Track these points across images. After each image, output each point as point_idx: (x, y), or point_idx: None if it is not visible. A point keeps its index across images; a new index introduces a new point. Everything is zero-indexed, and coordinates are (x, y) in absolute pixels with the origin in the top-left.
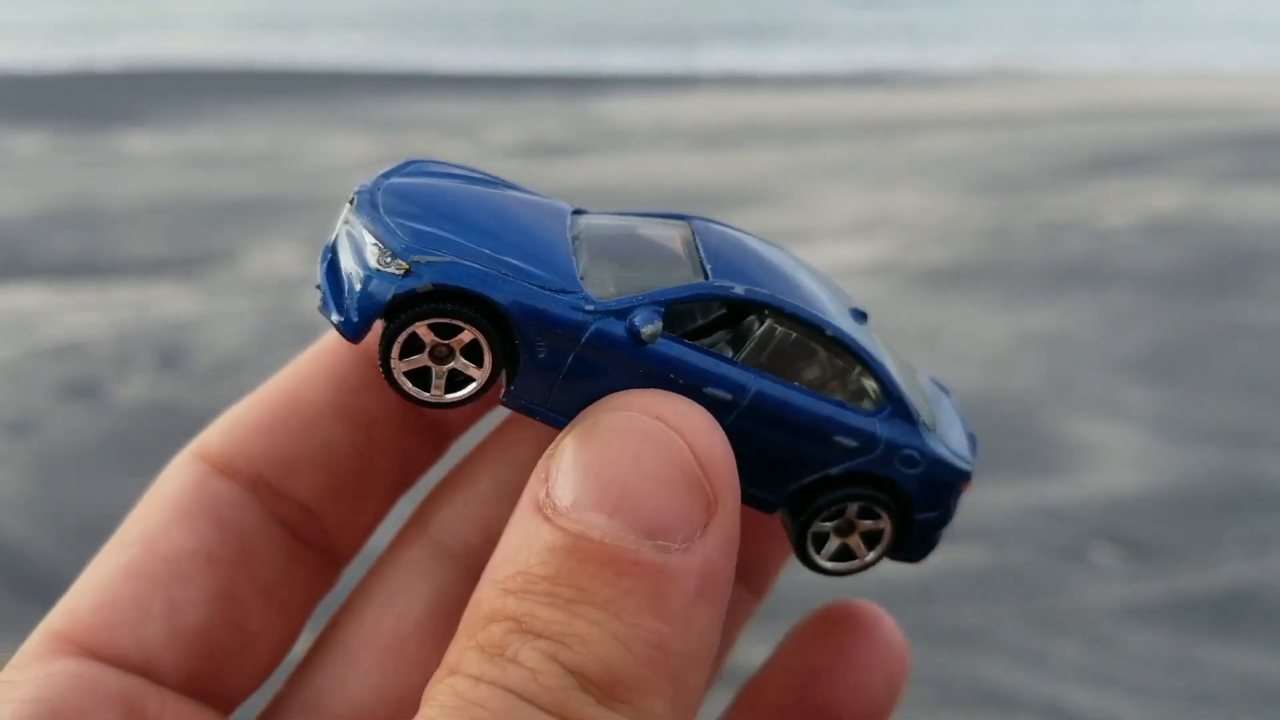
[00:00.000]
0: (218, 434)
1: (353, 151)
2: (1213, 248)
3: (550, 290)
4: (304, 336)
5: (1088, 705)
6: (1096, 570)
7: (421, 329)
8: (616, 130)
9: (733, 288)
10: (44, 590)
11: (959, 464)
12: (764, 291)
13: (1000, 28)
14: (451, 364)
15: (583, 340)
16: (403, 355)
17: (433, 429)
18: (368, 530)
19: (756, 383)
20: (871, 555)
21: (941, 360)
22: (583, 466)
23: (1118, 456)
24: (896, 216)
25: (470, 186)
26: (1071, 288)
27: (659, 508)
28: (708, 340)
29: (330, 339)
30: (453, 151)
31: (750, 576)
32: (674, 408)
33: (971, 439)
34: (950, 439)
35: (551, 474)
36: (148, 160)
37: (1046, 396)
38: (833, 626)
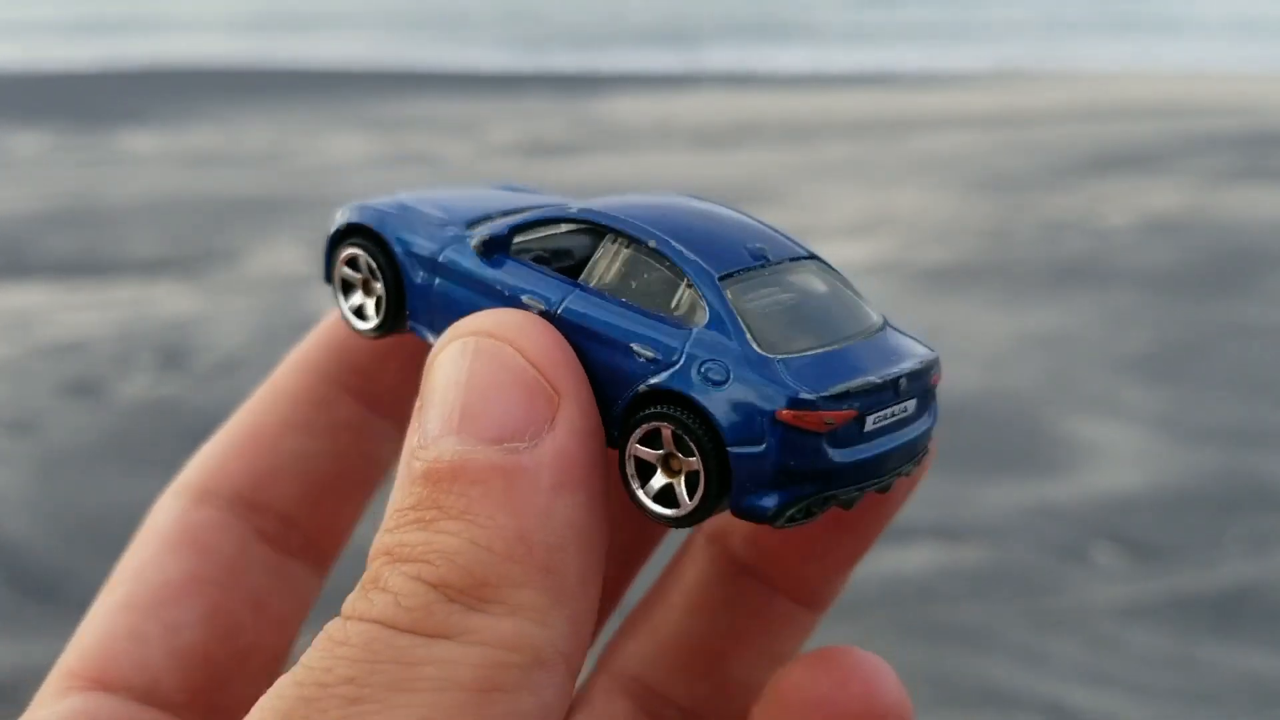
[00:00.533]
0: (193, 469)
1: (354, 150)
2: (1213, 247)
3: (432, 226)
4: (304, 335)
5: (1088, 705)
6: (1097, 569)
7: (341, 263)
8: (617, 129)
9: (568, 207)
10: (46, 588)
11: (774, 387)
12: (597, 210)
13: (1002, 27)
14: (372, 296)
15: (437, 262)
16: (345, 292)
17: (390, 430)
18: (346, 531)
19: (568, 293)
20: (693, 501)
21: (942, 359)
22: (429, 402)
23: (1118, 456)
24: (897, 216)
25: (486, 190)
26: (1072, 287)
27: (500, 414)
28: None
29: (287, 364)
30: (453, 151)
31: (801, 590)
32: (497, 319)
33: (923, 401)
34: (816, 376)
35: (414, 419)
36: (149, 159)
37: (1047, 396)
38: (818, 677)
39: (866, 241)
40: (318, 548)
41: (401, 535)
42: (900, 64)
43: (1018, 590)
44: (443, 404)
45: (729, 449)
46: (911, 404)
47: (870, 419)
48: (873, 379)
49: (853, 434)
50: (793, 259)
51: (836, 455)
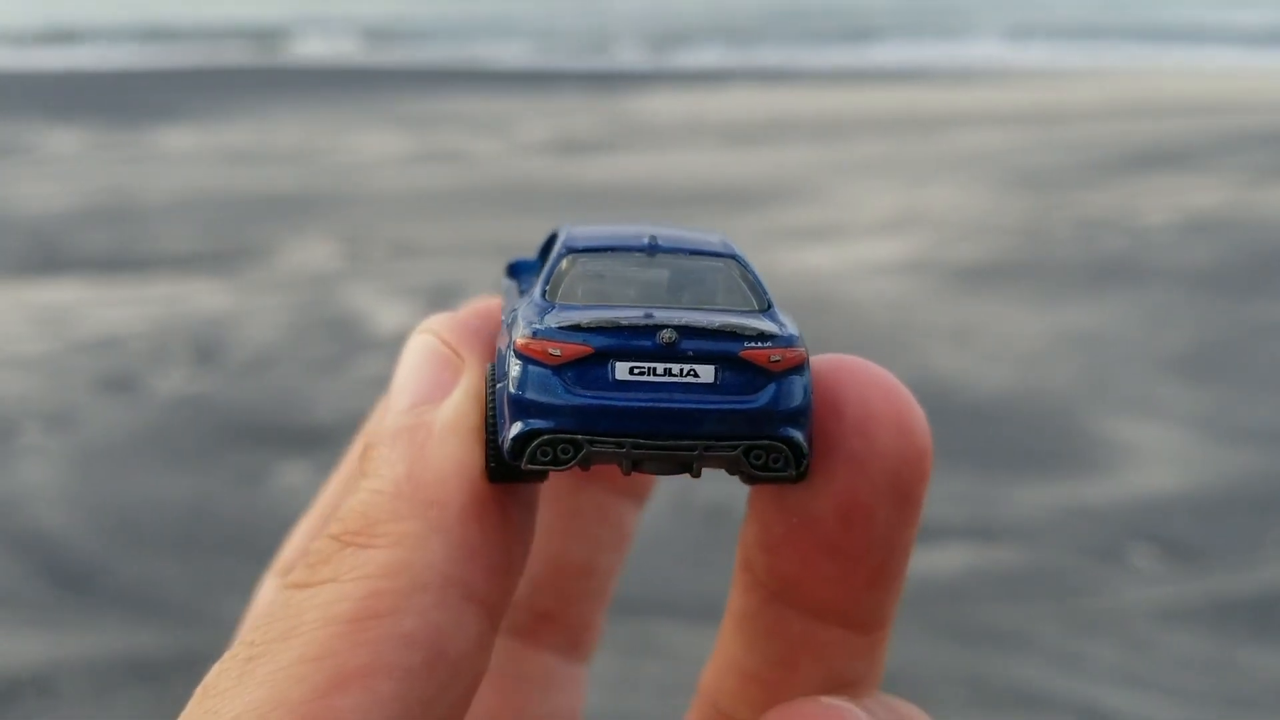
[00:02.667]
0: (294, 548)
1: (386, 148)
2: (1253, 245)
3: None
4: (338, 332)
5: (1124, 707)
6: (1134, 571)
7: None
8: (648, 126)
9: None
10: (81, 582)
11: (528, 323)
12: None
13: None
14: None
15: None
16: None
17: None
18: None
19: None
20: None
21: (976, 359)
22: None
23: (1156, 456)
24: (931, 213)
25: None
26: (1109, 286)
27: (414, 387)
28: None
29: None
30: (483, 148)
31: (835, 614)
32: (430, 320)
33: (741, 376)
34: (571, 314)
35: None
36: (184, 156)
37: (1084, 395)
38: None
39: (899, 239)
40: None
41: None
42: (935, 59)
43: (1053, 592)
44: (391, 392)
45: (495, 385)
46: (707, 370)
47: (622, 365)
48: (616, 318)
49: (599, 377)
50: (696, 252)
51: (575, 395)
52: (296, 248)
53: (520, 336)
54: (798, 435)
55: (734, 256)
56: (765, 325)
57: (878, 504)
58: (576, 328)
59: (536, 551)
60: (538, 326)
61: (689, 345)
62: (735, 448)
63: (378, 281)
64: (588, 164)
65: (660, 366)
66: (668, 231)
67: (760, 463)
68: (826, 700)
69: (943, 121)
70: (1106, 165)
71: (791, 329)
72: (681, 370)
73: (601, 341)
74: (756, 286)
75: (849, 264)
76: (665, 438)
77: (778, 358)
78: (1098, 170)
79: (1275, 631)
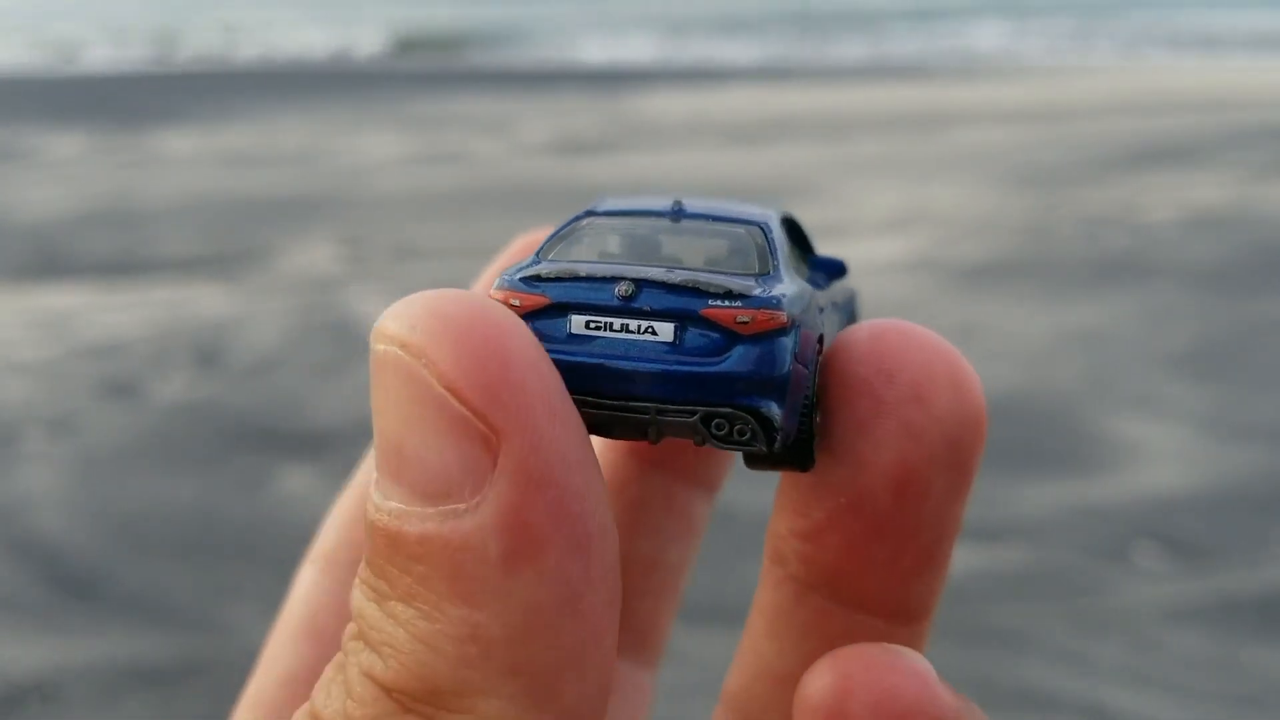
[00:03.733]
0: (328, 536)
1: (387, 149)
2: (1257, 242)
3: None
4: (340, 335)
5: (1130, 707)
6: (1139, 570)
7: None
8: (649, 125)
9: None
10: (85, 588)
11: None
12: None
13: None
14: None
15: None
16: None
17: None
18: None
19: None
20: None
21: (979, 357)
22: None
23: (1161, 454)
24: (934, 212)
25: None
26: (1112, 283)
27: (429, 462)
28: None
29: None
30: (485, 149)
31: (873, 603)
32: (410, 315)
33: (704, 334)
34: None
35: None
36: (185, 160)
37: (1088, 394)
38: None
39: (902, 238)
40: None
41: (362, 604)
42: (937, 55)
43: (1058, 591)
44: (378, 433)
45: None
46: (666, 328)
47: (578, 318)
48: (576, 269)
49: (556, 330)
50: (721, 219)
51: None
52: (298, 251)
53: (492, 290)
54: (766, 406)
55: (760, 224)
56: (738, 284)
57: (934, 474)
58: (536, 278)
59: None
60: (505, 278)
61: (648, 300)
62: (693, 414)
63: (380, 284)
64: (590, 164)
65: (616, 322)
66: (702, 201)
67: (723, 433)
68: (894, 647)
69: (946, 119)
70: (1110, 162)
71: (783, 292)
72: (639, 327)
73: (559, 293)
74: (768, 252)
75: (852, 262)
76: (614, 397)
77: (745, 319)
78: (1101, 167)
79: None
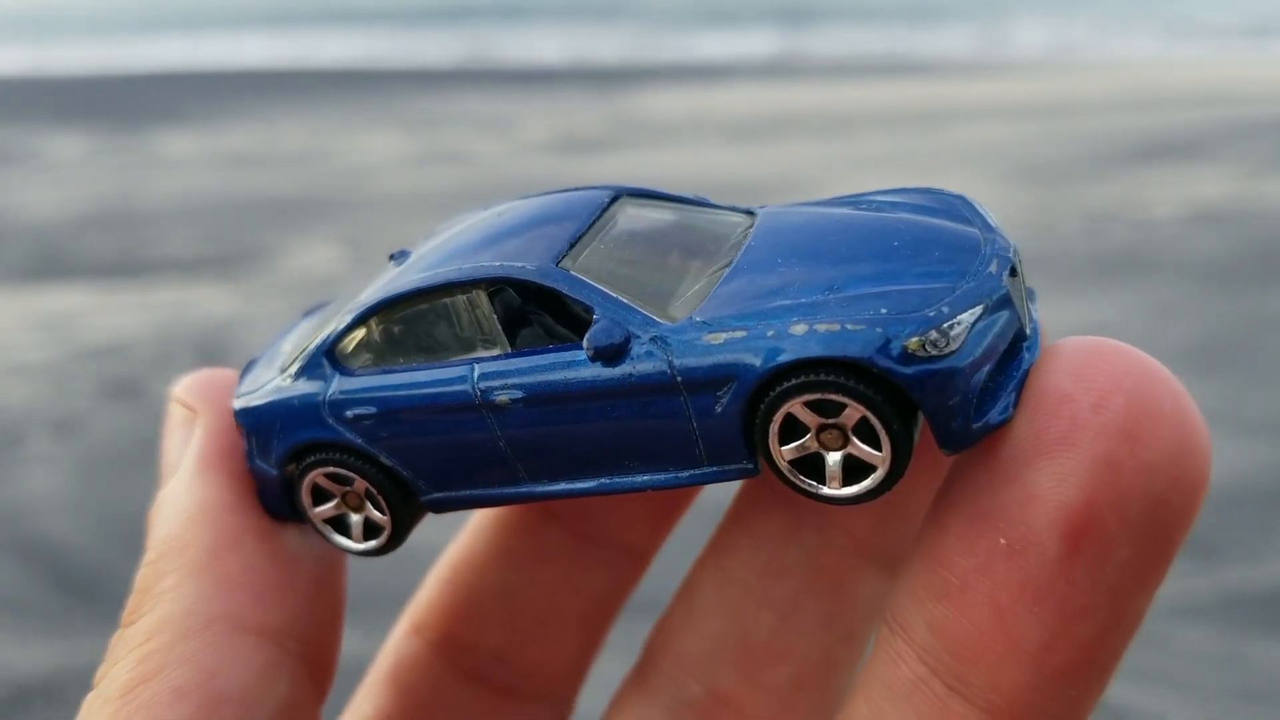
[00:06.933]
0: (423, 592)
1: (388, 150)
2: (1260, 237)
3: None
4: None
5: (1136, 703)
6: None
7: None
8: (650, 123)
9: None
10: (88, 589)
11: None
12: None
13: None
14: None
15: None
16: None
17: (619, 558)
18: (579, 669)
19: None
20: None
21: None
22: None
23: None
24: None
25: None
26: (1115, 279)
27: (166, 458)
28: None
29: None
30: (486, 148)
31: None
32: (178, 385)
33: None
34: None
35: None
36: (186, 161)
37: None
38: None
39: None
40: (540, 687)
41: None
42: (938, 50)
43: None
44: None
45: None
46: None
47: None
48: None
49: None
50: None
51: None
52: (300, 251)
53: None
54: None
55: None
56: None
57: (1123, 534)
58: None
59: (713, 606)
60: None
61: None
62: None
63: None
64: (591, 163)
65: None
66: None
67: None
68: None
69: (947, 115)
70: (1112, 157)
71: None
72: None
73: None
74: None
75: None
76: None
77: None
78: (1103, 163)
79: None
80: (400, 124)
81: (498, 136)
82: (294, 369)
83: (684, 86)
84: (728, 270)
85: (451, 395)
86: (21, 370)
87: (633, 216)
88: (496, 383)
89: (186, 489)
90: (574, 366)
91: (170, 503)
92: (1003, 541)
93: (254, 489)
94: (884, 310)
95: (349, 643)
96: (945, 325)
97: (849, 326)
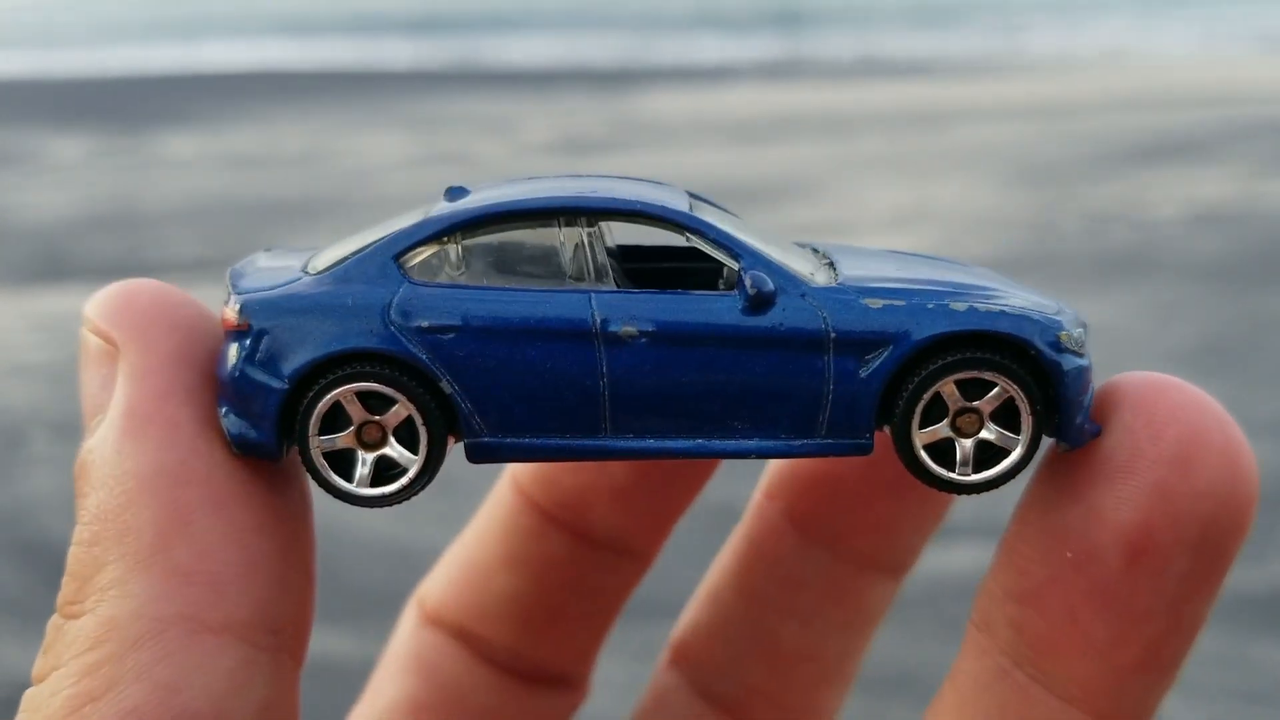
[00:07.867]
0: (432, 582)
1: (390, 151)
2: (1261, 237)
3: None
4: None
5: None
6: None
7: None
8: (653, 125)
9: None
10: None
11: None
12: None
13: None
14: None
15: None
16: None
17: (611, 560)
18: (589, 656)
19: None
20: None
21: None
22: None
23: None
24: (937, 209)
25: None
26: (1117, 280)
27: (84, 398)
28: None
29: (498, 490)
30: (488, 149)
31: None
32: (88, 304)
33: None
34: None
35: None
36: (188, 162)
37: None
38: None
39: (906, 235)
40: (555, 673)
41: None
42: (939, 52)
43: None
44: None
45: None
46: None
47: None
48: None
49: None
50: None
51: None
52: None
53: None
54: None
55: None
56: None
57: (1177, 551)
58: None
59: (741, 617)
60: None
61: None
62: None
63: None
64: (594, 164)
65: None
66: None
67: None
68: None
69: (949, 116)
70: (1114, 158)
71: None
72: None
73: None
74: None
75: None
76: None
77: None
78: (1105, 163)
79: None
80: (401, 125)
81: (499, 138)
82: (337, 270)
83: (685, 87)
84: (831, 263)
85: (563, 320)
86: (23, 371)
87: (708, 210)
88: (620, 314)
89: (116, 451)
90: (717, 309)
91: (99, 465)
92: (1069, 555)
93: (212, 415)
94: (1024, 305)
95: (346, 642)
96: (1078, 330)
97: (1007, 310)
